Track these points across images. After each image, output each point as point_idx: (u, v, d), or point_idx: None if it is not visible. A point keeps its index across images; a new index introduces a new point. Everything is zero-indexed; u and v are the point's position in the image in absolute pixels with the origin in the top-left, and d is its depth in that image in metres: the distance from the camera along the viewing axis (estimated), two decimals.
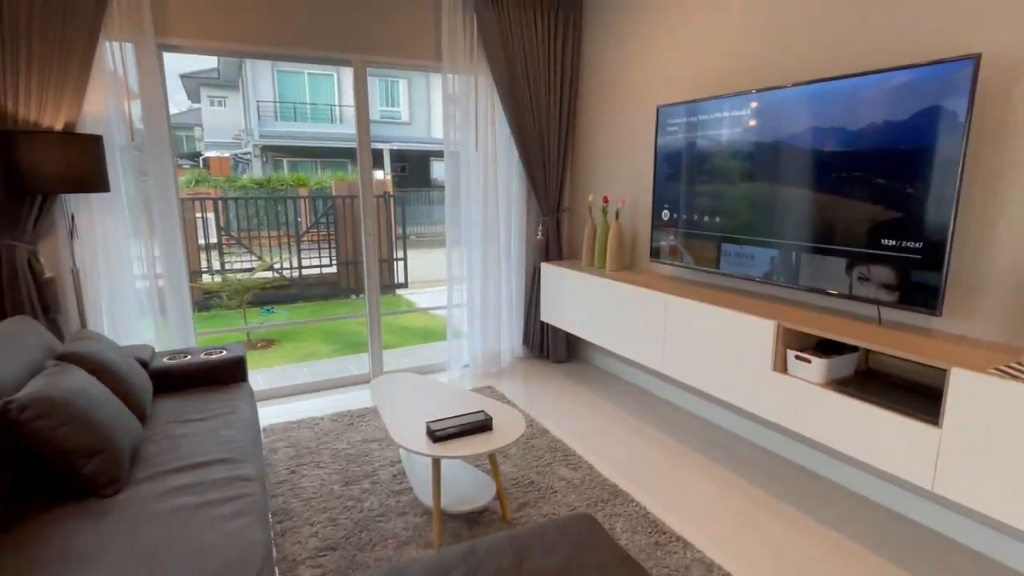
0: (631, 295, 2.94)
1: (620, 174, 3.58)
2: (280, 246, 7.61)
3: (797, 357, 2.16)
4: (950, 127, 1.82)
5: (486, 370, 3.89)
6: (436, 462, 2.00)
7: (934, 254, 1.90)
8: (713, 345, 2.47)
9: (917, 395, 1.96)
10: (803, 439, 2.59)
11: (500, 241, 3.85)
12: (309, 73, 14.54)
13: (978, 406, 1.62)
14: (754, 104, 2.47)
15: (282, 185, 11.73)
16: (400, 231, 8.22)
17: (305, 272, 7.46)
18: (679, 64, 3.05)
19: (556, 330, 3.99)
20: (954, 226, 1.85)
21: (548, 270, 3.72)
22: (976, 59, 1.75)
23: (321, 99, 15.17)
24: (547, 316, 3.80)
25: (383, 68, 3.55)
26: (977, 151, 1.91)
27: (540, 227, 3.91)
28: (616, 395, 3.46)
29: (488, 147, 3.69)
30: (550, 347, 4.05)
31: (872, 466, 2.16)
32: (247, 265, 7.18)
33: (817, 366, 2.09)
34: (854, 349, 2.17)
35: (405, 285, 8.16)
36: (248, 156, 14.69)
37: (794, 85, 2.30)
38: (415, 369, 3.92)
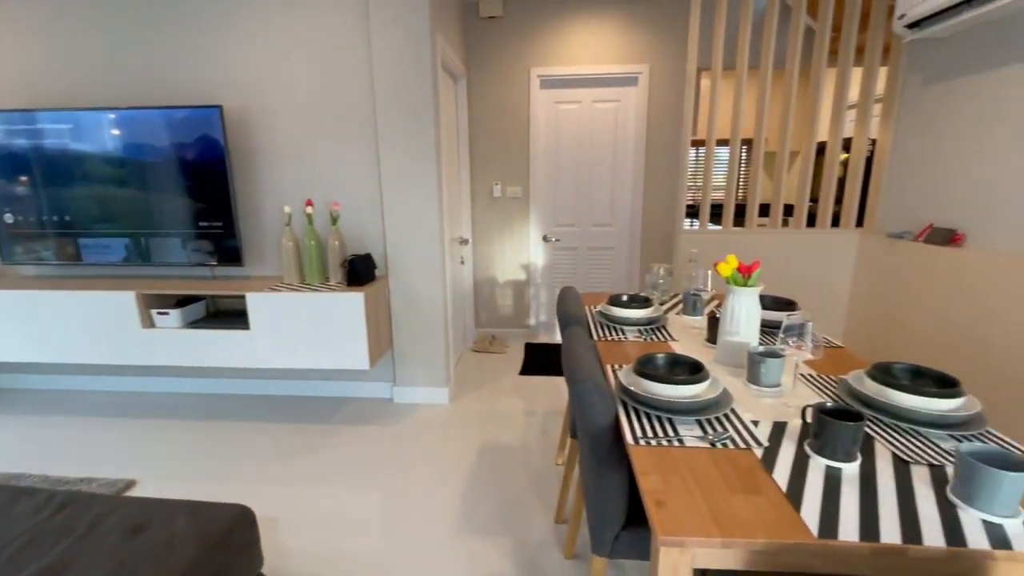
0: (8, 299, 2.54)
1: None
2: None
3: (159, 313, 2.53)
4: (218, 148, 2.51)
5: None
6: None
7: (230, 229, 2.61)
8: (82, 320, 2.52)
9: (242, 316, 2.69)
10: (168, 371, 3.01)
11: None
12: None
13: (265, 309, 2.43)
14: (83, 118, 2.53)
15: None
16: None
17: None
18: None
19: None
20: (235, 210, 2.59)
21: None
22: (220, 108, 2.46)
23: None
24: None
25: None
26: (237, 163, 2.70)
27: None
28: (11, 405, 2.91)
29: None
30: None
31: (226, 367, 2.82)
32: None
33: (174, 316, 2.53)
34: (202, 298, 2.71)
35: None
36: None
37: (130, 107, 2.51)
38: None
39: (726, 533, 0.76)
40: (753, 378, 1.27)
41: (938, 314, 2.32)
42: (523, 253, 3.77)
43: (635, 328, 1.77)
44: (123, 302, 2.48)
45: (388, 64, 2.46)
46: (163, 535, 1.19)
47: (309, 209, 2.53)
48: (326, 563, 1.68)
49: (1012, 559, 0.72)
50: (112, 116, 2.52)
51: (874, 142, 2.81)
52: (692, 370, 1.22)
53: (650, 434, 1.05)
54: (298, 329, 2.43)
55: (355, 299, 2.38)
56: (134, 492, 2.09)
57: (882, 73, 3.72)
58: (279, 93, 2.60)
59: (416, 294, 2.74)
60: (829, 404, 0.97)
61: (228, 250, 2.64)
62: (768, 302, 1.83)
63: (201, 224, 2.63)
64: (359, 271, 2.48)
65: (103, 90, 2.66)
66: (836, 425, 0.92)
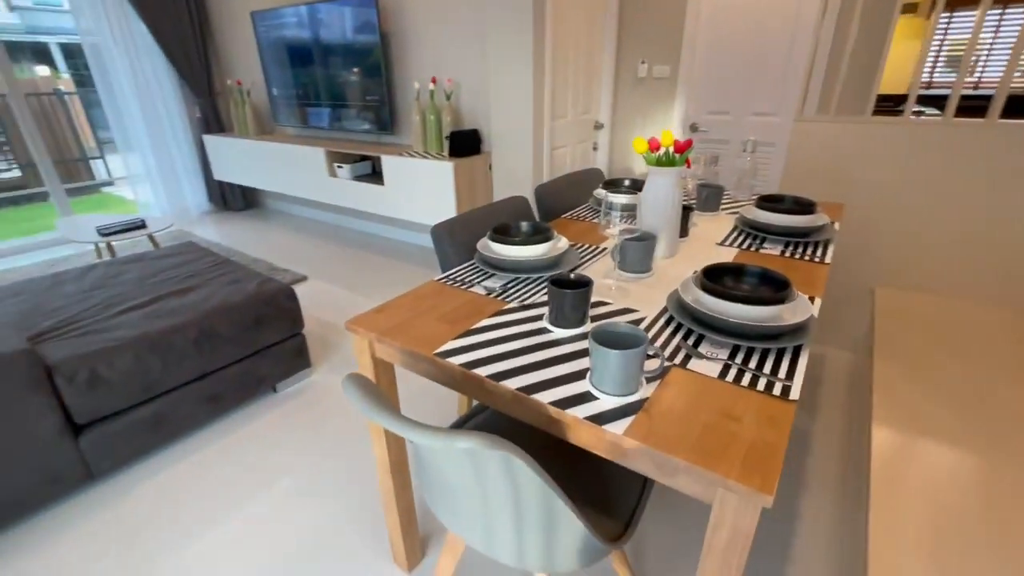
0: (267, 149, 3.85)
1: (246, 61, 4.25)
2: None
3: (337, 167, 3.42)
4: (375, 31, 3.06)
5: (179, 223, 4.48)
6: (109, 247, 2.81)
7: (386, 101, 3.23)
8: (300, 168, 3.60)
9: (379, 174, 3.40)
10: (347, 211, 3.99)
11: (162, 120, 4.25)
12: None
13: (392, 170, 3.06)
14: (305, 13, 3.38)
15: None
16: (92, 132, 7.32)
17: None
18: None
19: (232, 185, 4.70)
20: (388, 85, 3.17)
21: (210, 141, 4.33)
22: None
23: None
24: (220, 175, 4.48)
25: None
26: (394, 45, 3.21)
27: (197, 108, 4.41)
28: (280, 223, 4.47)
29: (127, 40, 3.93)
30: (228, 199, 4.77)
31: (378, 214, 3.66)
32: None
33: (347, 170, 3.39)
34: (368, 158, 3.52)
35: (111, 183, 7.49)
36: None
37: (317, 1, 3.28)
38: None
39: (386, 335, 0.95)
40: (621, 263, 1.21)
41: None
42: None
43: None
44: (315, 156, 3.45)
45: None
46: (243, 286, 1.93)
47: (431, 86, 2.92)
48: None
49: (577, 422, 0.73)
50: (304, 10, 3.29)
51: None
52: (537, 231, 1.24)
53: (457, 277, 1.20)
54: (410, 188, 3.00)
55: (444, 168, 2.78)
56: (303, 284, 3.12)
57: None
58: None
59: (514, 172, 2.96)
60: (573, 275, 0.95)
61: (383, 120, 3.30)
62: (789, 203, 1.49)
63: (368, 98, 3.32)
64: (456, 145, 2.83)
65: None
66: (554, 292, 0.92)
